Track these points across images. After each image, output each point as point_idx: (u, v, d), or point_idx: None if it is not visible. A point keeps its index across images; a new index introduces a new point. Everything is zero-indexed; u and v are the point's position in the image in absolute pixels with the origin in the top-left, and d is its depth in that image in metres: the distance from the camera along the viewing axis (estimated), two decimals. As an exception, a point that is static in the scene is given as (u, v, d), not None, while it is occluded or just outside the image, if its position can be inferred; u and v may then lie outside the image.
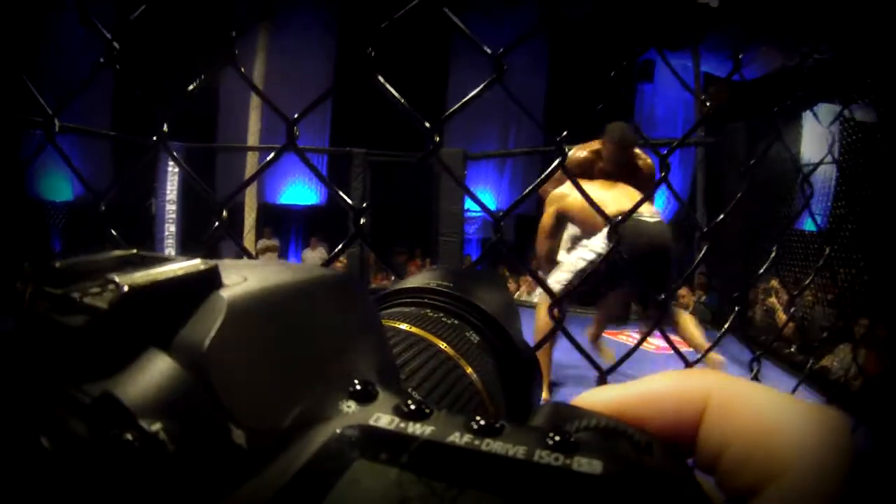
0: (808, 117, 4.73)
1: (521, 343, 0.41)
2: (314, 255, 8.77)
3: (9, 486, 0.14)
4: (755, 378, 1.16)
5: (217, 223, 0.91)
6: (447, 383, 0.31)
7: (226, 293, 0.17)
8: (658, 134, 9.06)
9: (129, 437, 0.14)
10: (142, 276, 0.16)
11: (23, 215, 6.85)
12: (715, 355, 2.98)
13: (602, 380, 0.97)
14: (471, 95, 0.96)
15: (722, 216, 1.21)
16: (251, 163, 8.03)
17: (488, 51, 0.92)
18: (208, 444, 0.15)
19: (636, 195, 2.77)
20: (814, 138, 4.48)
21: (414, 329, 0.34)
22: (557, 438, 0.17)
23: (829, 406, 0.19)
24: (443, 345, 0.34)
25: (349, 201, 0.97)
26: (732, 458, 0.18)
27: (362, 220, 0.95)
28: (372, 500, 0.15)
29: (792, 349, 4.41)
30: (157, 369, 0.15)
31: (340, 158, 8.44)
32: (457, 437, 0.17)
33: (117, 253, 0.18)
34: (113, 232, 0.94)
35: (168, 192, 7.86)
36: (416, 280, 0.41)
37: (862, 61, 3.80)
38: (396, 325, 0.34)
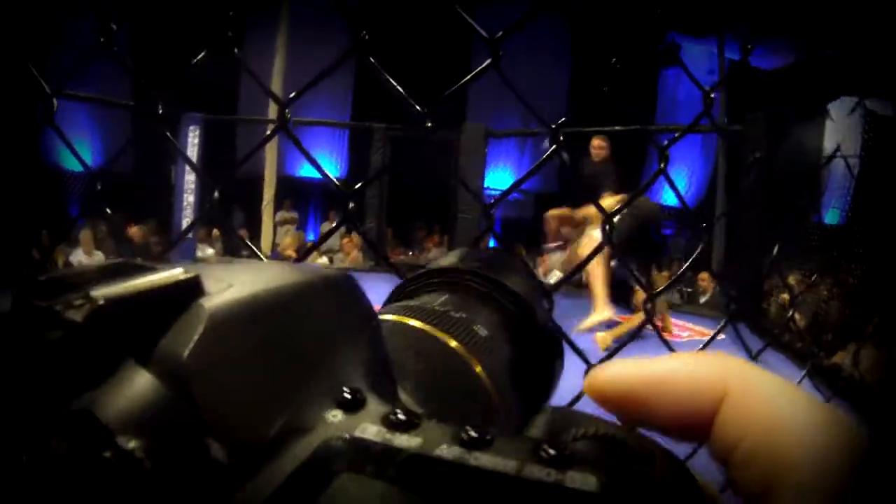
0: (832, 110, 4.63)
1: (544, 320, 0.40)
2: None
3: None
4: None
5: (209, 204, 0.91)
6: (449, 382, 0.31)
7: (207, 302, 0.17)
8: (681, 117, 8.91)
9: (108, 454, 0.14)
10: (119, 288, 0.16)
11: (38, 184, 6.91)
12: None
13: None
14: (465, 80, 0.94)
15: (720, 213, 1.20)
16: (271, 135, 7.98)
17: (484, 34, 0.89)
18: (187, 460, 0.15)
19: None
20: (838, 132, 4.38)
21: (417, 324, 0.33)
22: (552, 452, 0.16)
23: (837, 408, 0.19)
24: (450, 340, 0.33)
25: (337, 184, 0.97)
26: (745, 451, 0.18)
27: (351, 205, 0.95)
28: None
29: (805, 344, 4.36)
30: (135, 384, 0.15)
31: (361, 133, 8.41)
32: (444, 451, 0.16)
33: (107, 262, 0.18)
34: (108, 210, 0.95)
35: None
36: (444, 262, 0.41)
37: (881, 54, 3.70)
38: (399, 321, 0.33)
